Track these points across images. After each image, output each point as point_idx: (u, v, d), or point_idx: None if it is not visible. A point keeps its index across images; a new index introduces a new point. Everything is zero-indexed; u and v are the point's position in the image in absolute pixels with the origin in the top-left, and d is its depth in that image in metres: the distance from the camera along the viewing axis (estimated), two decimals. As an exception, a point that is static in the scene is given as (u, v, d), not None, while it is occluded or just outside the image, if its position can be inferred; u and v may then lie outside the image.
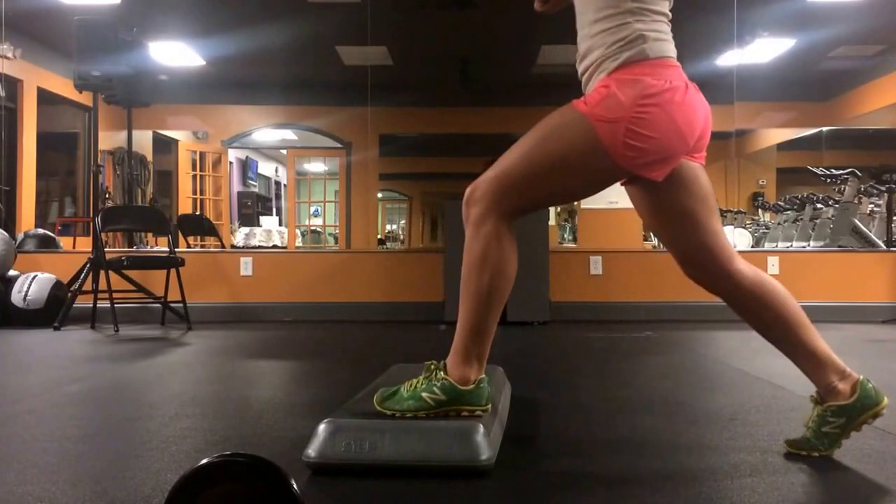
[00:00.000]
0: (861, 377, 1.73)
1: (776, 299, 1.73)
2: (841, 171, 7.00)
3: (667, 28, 1.69)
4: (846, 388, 1.70)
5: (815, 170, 7.27)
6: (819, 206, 7.55)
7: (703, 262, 1.73)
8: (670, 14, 1.70)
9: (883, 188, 6.56)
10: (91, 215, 5.93)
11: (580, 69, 1.73)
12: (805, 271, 5.70)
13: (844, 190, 7.00)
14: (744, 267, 1.74)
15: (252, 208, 12.49)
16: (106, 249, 5.19)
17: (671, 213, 1.72)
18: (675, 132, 1.60)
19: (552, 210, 9.45)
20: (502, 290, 1.68)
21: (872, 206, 7.51)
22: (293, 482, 1.06)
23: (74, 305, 5.03)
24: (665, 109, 1.59)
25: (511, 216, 1.67)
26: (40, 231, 6.72)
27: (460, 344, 1.69)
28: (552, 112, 1.69)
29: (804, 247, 7.02)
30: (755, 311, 1.74)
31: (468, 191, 1.69)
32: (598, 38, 1.66)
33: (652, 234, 10.78)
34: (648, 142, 1.58)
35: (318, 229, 12.12)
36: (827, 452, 1.72)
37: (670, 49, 1.67)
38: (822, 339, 1.75)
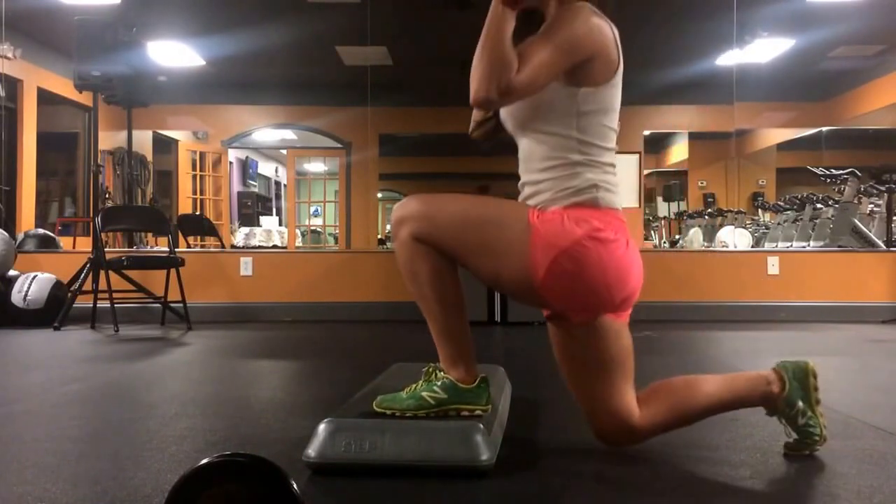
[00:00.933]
0: (773, 366, 1.75)
1: (682, 407, 1.73)
2: (841, 171, 7.00)
3: (615, 180, 1.67)
4: (776, 385, 1.72)
5: (814, 170, 7.27)
6: (819, 206, 7.55)
7: (606, 421, 1.71)
8: (615, 164, 1.68)
9: (883, 188, 6.56)
10: (91, 215, 5.93)
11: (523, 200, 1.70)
12: (805, 271, 5.70)
13: (844, 190, 7.01)
14: (640, 417, 1.70)
15: (252, 208, 12.49)
16: (106, 249, 5.19)
17: (584, 364, 1.70)
18: (603, 283, 1.59)
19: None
20: (444, 293, 1.66)
21: (872, 206, 7.51)
22: (293, 482, 1.06)
23: (74, 305, 5.03)
24: (603, 258, 1.58)
25: (425, 243, 1.65)
26: (40, 231, 6.72)
27: (441, 350, 1.71)
28: (510, 201, 1.68)
29: (804, 247, 7.02)
30: (674, 426, 1.75)
31: (398, 210, 1.67)
32: (545, 184, 1.64)
33: (651, 231, 10.80)
34: (574, 280, 1.57)
35: (318, 229, 12.12)
36: (823, 438, 1.72)
37: (619, 201, 1.67)
38: (737, 378, 1.76)
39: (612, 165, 1.67)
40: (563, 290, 1.59)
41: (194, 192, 10.19)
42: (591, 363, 1.68)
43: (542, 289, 1.59)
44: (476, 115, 1.84)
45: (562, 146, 1.63)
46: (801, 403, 1.71)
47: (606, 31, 1.62)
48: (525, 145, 1.71)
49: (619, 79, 1.66)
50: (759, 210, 9.96)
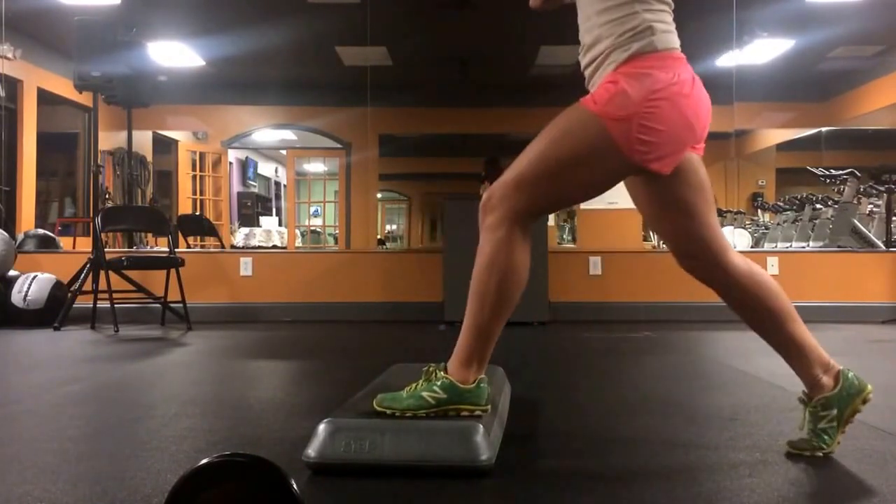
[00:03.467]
0: (842, 367, 1.75)
1: (769, 293, 1.74)
2: (840, 172, 7.00)
3: (671, 19, 1.69)
4: (829, 381, 1.73)
5: (814, 170, 7.27)
6: (818, 206, 7.55)
7: (697, 254, 1.74)
8: (673, 4, 1.70)
9: (882, 188, 6.56)
10: (91, 215, 5.93)
11: (584, 60, 1.72)
12: (805, 271, 5.70)
13: (844, 190, 7.01)
14: (738, 260, 1.75)
15: (252, 208, 12.50)
16: (106, 249, 5.19)
17: (670, 205, 1.73)
18: (684, 124, 1.62)
19: (552, 210, 9.44)
20: (509, 294, 1.67)
21: (872, 206, 7.51)
22: (293, 482, 1.06)
23: (74, 305, 5.03)
24: (674, 102, 1.60)
25: (526, 220, 1.67)
26: (40, 231, 6.72)
27: (464, 345, 1.70)
28: (561, 112, 1.68)
29: (803, 247, 7.02)
30: (748, 304, 1.76)
31: (485, 197, 1.69)
32: (605, 28, 1.65)
33: (651, 231, 10.80)
34: (660, 135, 1.59)
35: (318, 229, 12.13)
36: (829, 450, 1.72)
37: (676, 40, 1.68)
38: (810, 334, 1.77)
39: (669, 5, 1.69)
40: (653, 148, 1.60)
41: (194, 193, 10.19)
42: (679, 201, 1.71)
43: (636, 158, 1.60)
44: None
45: None
46: (835, 412, 1.71)
47: None
48: None
49: None
50: (759, 210, 9.96)
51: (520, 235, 1.66)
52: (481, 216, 1.69)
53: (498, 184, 1.68)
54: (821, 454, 1.73)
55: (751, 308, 1.76)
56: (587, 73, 1.72)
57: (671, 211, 1.74)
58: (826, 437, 1.72)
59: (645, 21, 1.63)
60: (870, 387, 1.74)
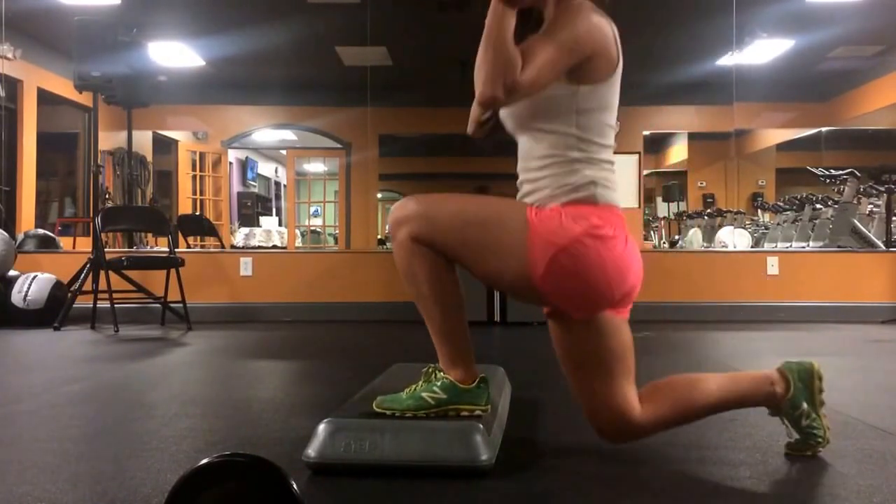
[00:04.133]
0: (778, 365, 1.75)
1: (690, 397, 1.71)
2: (840, 172, 7.00)
3: (613, 177, 1.67)
4: (782, 385, 1.72)
5: (814, 170, 7.27)
6: (818, 206, 7.55)
7: (607, 418, 1.69)
8: (614, 161, 1.68)
9: (882, 188, 6.56)
10: (91, 215, 5.93)
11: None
12: (804, 272, 5.70)
13: (844, 190, 7.01)
14: (643, 409, 1.69)
15: (252, 208, 12.49)
16: (106, 250, 5.19)
17: (585, 360, 1.68)
18: (603, 279, 1.58)
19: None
20: (443, 293, 1.66)
21: (872, 206, 7.52)
22: (293, 482, 1.06)
23: (74, 305, 5.03)
24: (602, 255, 1.57)
25: (425, 244, 1.65)
26: (40, 231, 6.72)
27: (440, 351, 1.71)
28: (508, 199, 1.68)
29: (803, 247, 7.02)
30: (691, 416, 1.74)
31: (396, 210, 1.67)
32: (544, 181, 1.64)
33: (651, 234, 10.81)
34: (577, 277, 1.57)
35: (318, 229, 12.13)
36: (825, 441, 1.72)
37: (617, 198, 1.66)
38: (738, 375, 1.76)
39: (611, 163, 1.67)
40: (563, 287, 1.59)
41: (194, 193, 10.19)
42: (592, 359, 1.67)
43: (541, 286, 1.59)
44: (475, 114, 1.85)
45: (561, 143, 1.63)
46: (805, 405, 1.71)
47: (606, 28, 1.62)
48: (524, 143, 1.71)
49: (618, 76, 1.66)
50: (759, 210, 9.97)
51: (426, 248, 1.65)
52: (391, 229, 1.68)
53: (410, 209, 1.65)
54: (821, 450, 1.73)
55: (699, 413, 1.74)
56: None
57: (584, 367, 1.69)
58: (814, 431, 1.72)
59: (587, 176, 1.62)
60: (815, 363, 1.74)
